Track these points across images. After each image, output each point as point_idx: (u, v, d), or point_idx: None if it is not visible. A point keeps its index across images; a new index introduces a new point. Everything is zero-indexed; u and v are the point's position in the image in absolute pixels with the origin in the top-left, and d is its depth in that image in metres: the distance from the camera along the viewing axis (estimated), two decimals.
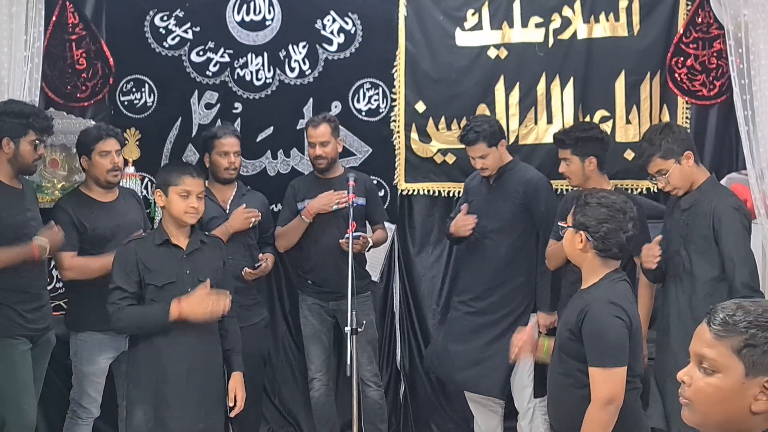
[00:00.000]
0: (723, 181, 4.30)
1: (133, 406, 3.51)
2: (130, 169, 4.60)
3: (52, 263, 4.20)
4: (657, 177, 3.64)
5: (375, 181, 4.83)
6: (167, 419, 3.41)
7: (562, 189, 4.68)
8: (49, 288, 4.10)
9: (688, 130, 4.47)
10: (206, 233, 3.67)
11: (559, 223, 3.01)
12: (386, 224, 4.76)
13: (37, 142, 3.72)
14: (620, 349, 2.72)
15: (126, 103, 4.82)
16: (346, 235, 3.91)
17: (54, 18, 4.57)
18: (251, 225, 4.27)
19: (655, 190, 4.64)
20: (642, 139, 3.88)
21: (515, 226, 4.24)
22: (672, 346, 3.62)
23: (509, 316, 4.25)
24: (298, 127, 4.81)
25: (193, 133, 4.80)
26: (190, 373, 3.43)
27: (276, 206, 4.69)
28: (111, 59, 4.73)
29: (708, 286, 3.53)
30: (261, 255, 4.37)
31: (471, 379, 4.32)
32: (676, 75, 4.69)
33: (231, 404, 3.56)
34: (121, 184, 4.19)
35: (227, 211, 4.32)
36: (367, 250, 4.43)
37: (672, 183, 3.60)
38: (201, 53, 4.83)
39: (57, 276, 4.51)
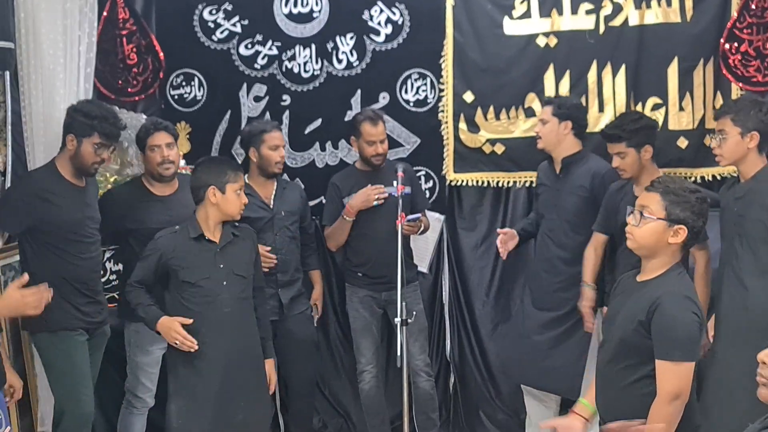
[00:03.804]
0: None
1: (169, 401, 3.55)
2: (181, 162, 4.63)
3: (106, 255, 4.24)
4: (715, 135, 3.61)
5: (423, 172, 4.84)
6: (199, 414, 3.44)
7: None
8: (102, 280, 4.14)
9: None
10: (236, 224, 3.64)
11: (645, 214, 2.78)
12: (436, 215, 4.76)
13: (99, 145, 3.72)
14: (692, 344, 2.67)
15: (176, 97, 4.88)
16: (409, 218, 3.92)
17: (105, 13, 4.62)
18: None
19: (709, 179, 4.59)
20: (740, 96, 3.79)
21: (582, 220, 4.13)
22: (723, 334, 3.57)
23: (575, 312, 4.15)
24: (346, 119, 4.80)
25: (242, 126, 4.82)
26: (228, 366, 3.44)
27: (324, 198, 4.67)
28: (161, 53, 4.78)
29: (760, 277, 3.46)
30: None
31: (543, 375, 4.22)
32: (730, 61, 4.58)
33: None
34: None
35: (271, 206, 4.32)
36: (419, 233, 4.43)
37: (722, 149, 3.57)
38: (249, 46, 4.85)
39: (111, 268, 4.58)
